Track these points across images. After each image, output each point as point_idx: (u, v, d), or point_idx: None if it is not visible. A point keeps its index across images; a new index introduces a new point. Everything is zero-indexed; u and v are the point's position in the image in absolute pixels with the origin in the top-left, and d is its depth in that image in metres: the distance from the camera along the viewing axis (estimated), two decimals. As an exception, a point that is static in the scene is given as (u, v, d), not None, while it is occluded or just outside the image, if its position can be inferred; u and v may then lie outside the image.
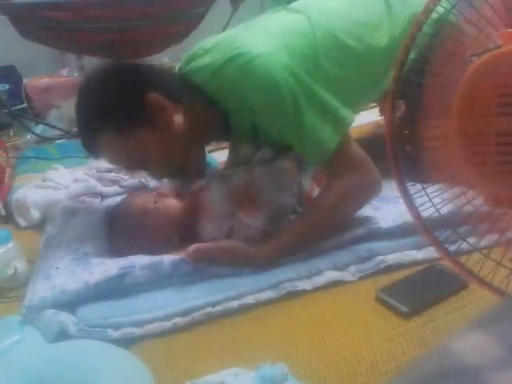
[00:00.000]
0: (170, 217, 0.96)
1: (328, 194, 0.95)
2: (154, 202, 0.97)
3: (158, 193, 1.00)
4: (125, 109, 0.94)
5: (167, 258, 0.89)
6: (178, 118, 0.99)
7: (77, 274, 0.88)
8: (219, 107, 1.01)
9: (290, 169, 1.01)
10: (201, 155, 1.08)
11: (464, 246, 0.72)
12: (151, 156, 0.98)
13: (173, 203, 0.98)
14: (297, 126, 0.93)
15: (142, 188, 1.27)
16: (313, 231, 0.94)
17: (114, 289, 0.85)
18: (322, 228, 0.95)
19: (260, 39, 0.96)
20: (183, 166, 1.02)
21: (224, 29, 2.08)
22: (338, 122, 0.94)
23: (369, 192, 0.97)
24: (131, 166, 1.03)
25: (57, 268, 0.92)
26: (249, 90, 0.93)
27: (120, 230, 0.98)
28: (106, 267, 0.88)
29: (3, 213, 1.24)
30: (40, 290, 0.86)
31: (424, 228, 0.73)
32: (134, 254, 0.91)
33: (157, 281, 0.87)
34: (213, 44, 1.01)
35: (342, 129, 0.94)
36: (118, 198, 1.21)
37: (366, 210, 1.00)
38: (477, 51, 0.61)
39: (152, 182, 1.27)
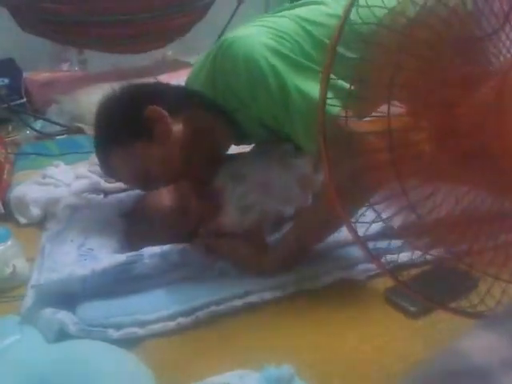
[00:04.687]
0: (187, 216, 0.96)
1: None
2: (174, 201, 0.97)
3: (177, 191, 0.99)
4: (125, 122, 0.97)
5: (176, 247, 0.89)
6: (178, 128, 0.99)
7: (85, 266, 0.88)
8: (221, 110, 0.99)
9: (306, 167, 0.99)
10: (207, 164, 1.02)
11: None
12: (152, 169, 0.98)
13: (191, 202, 0.97)
14: (285, 108, 0.85)
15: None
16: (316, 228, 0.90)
17: (121, 277, 0.84)
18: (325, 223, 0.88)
19: (242, 28, 0.95)
20: (186, 176, 1.00)
21: (229, 21, 2.06)
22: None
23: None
24: (137, 182, 1.04)
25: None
26: (233, 76, 0.90)
27: (137, 226, 0.98)
28: (114, 257, 0.89)
29: (2, 210, 1.22)
30: (46, 274, 0.87)
31: (360, 242, 0.72)
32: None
33: (161, 274, 0.87)
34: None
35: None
36: (121, 195, 1.20)
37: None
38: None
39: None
